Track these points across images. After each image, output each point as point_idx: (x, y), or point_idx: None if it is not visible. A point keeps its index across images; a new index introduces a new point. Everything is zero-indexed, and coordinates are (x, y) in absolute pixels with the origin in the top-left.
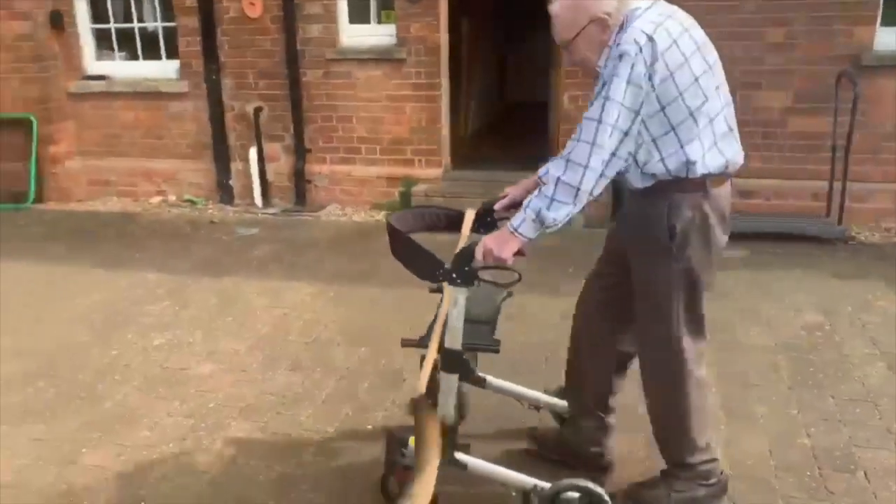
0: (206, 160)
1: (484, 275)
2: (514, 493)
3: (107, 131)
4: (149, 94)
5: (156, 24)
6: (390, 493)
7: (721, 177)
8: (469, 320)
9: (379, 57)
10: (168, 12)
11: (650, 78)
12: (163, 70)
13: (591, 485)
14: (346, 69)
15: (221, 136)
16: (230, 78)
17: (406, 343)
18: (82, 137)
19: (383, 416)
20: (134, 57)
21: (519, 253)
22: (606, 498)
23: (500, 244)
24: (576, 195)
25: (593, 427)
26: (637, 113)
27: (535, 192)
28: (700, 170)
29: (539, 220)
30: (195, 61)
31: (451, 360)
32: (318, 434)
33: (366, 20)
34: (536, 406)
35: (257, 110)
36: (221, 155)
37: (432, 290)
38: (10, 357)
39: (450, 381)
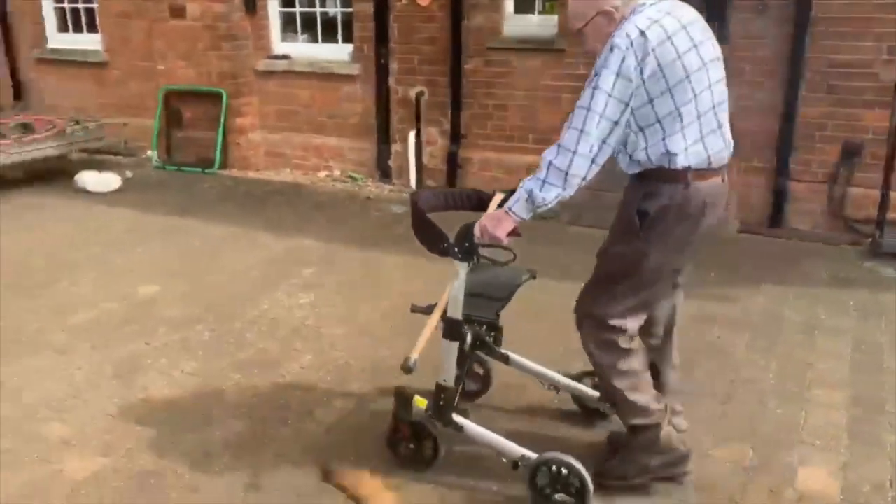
0: (370, 140)
1: (484, 253)
2: (504, 461)
3: (285, 107)
4: (324, 75)
5: (335, 10)
6: (395, 445)
7: (705, 171)
8: (483, 296)
9: (538, 47)
10: None
11: (641, 72)
12: (338, 53)
13: (572, 461)
14: (505, 58)
15: (385, 118)
16: (397, 63)
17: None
18: (264, 112)
19: (491, 390)
20: (314, 40)
21: (514, 233)
22: (585, 474)
23: (494, 223)
24: (565, 179)
25: None
26: (627, 104)
27: (531, 174)
28: (681, 162)
29: (531, 200)
30: (367, 46)
31: (450, 328)
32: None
33: (530, 10)
34: (556, 387)
35: (419, 95)
36: (384, 136)
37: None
38: (179, 301)
39: (450, 348)
